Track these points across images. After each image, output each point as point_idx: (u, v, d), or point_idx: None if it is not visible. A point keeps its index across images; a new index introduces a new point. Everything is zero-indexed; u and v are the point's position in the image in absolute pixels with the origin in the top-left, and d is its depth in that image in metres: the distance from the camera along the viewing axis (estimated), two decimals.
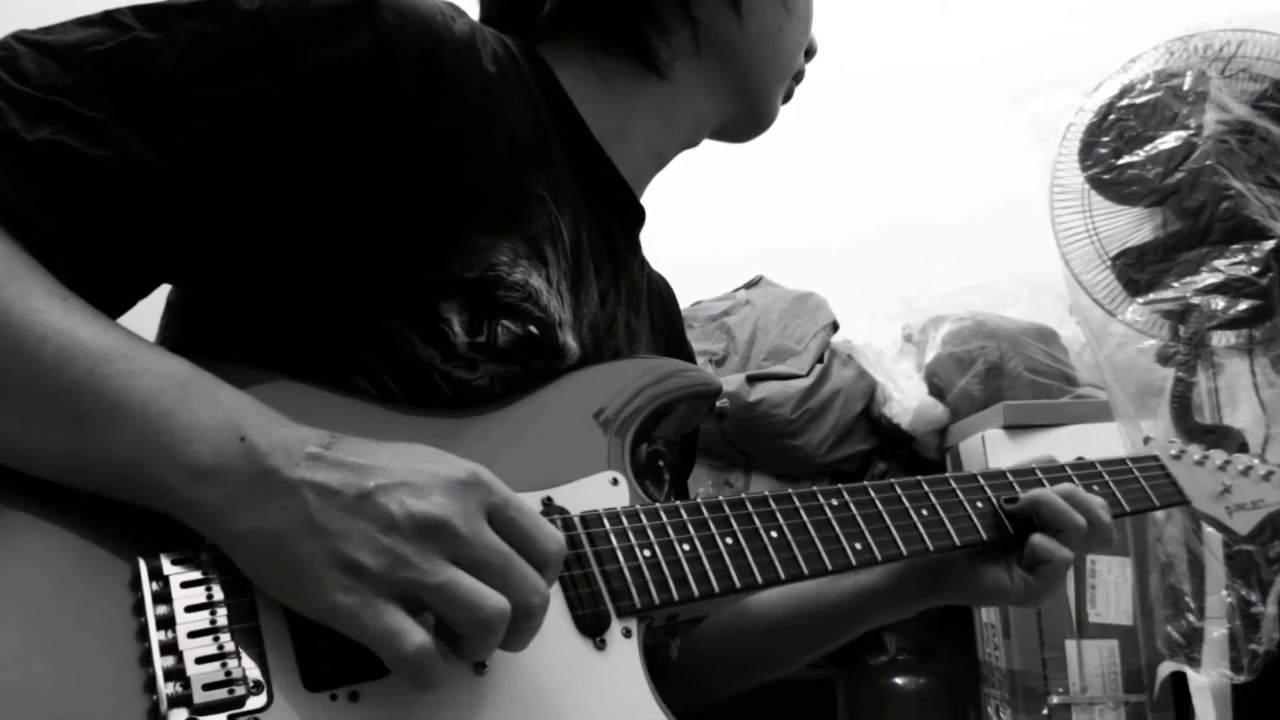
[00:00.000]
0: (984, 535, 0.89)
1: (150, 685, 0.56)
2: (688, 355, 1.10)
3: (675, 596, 0.72)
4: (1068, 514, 0.90)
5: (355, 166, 0.70)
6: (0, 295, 0.59)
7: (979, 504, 0.90)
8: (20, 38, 0.66)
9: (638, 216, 0.95)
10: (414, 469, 0.59)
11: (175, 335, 0.79)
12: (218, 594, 0.59)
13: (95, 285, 0.65)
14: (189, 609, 0.58)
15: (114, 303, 0.68)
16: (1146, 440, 1.10)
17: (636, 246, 0.97)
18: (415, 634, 0.56)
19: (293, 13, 0.69)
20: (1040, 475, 0.94)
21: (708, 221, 2.55)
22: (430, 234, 0.73)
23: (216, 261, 0.71)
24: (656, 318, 1.03)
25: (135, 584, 0.59)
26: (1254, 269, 1.52)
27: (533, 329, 0.76)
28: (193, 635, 0.58)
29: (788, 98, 1.01)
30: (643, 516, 0.74)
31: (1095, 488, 0.96)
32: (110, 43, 0.66)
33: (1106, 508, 0.93)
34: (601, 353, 0.87)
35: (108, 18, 0.68)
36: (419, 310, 0.72)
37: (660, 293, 1.06)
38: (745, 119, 0.98)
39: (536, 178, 0.80)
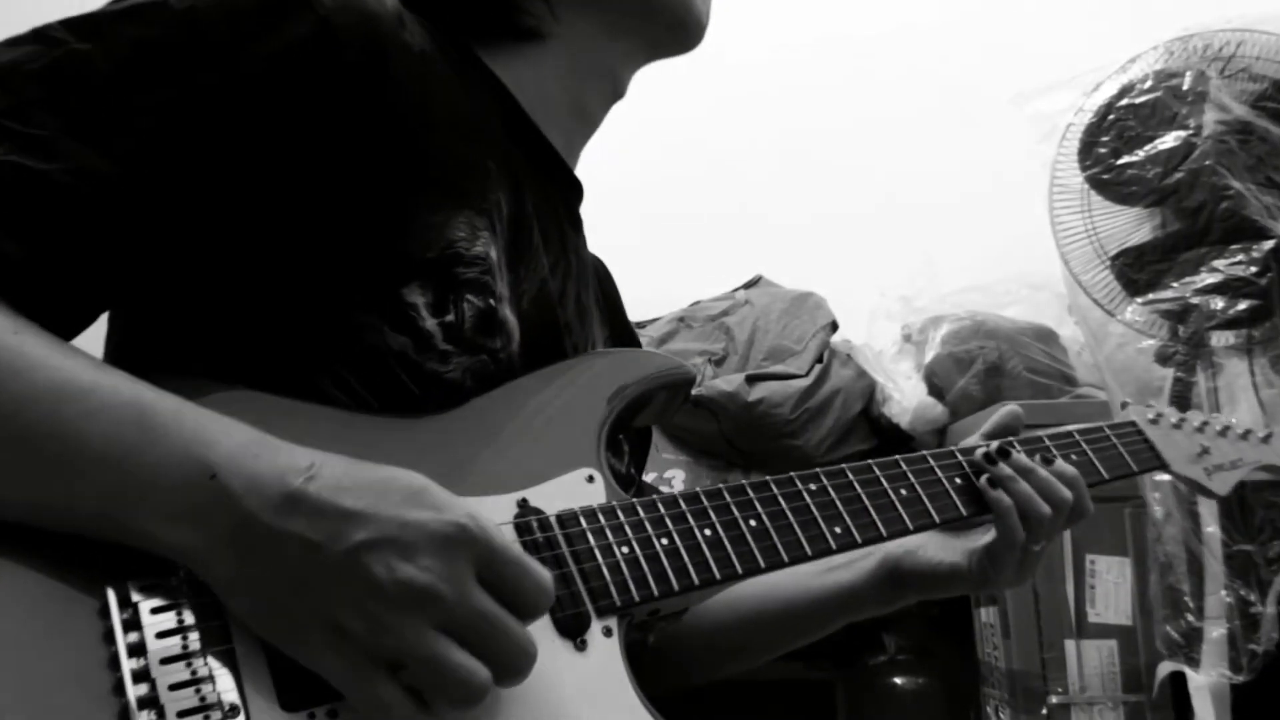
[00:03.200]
0: (963, 511, 0.87)
1: (124, 715, 0.54)
2: (630, 334, 1.07)
3: (655, 592, 0.71)
4: (1034, 502, 0.88)
5: (307, 152, 0.69)
6: None
7: (957, 480, 0.89)
8: None
9: (576, 192, 0.93)
10: (401, 521, 0.57)
11: (126, 359, 0.76)
12: (189, 618, 0.58)
13: (53, 306, 0.64)
14: (160, 635, 0.57)
15: (72, 323, 0.67)
16: (1124, 405, 1.07)
17: (578, 222, 0.95)
18: (401, 708, 0.56)
19: (227, 5, 0.67)
20: (1017, 447, 0.91)
21: (707, 221, 2.56)
22: (385, 215, 0.71)
23: (176, 272, 0.70)
24: (598, 296, 1.01)
25: (104, 612, 0.57)
26: (1253, 269, 1.52)
27: (491, 302, 0.75)
28: (165, 661, 0.56)
29: None
30: (620, 513, 0.73)
31: (1073, 456, 0.94)
32: (44, 59, 0.64)
33: (1078, 491, 0.91)
34: (546, 329, 0.85)
35: (37, 35, 0.66)
36: (383, 299, 0.71)
37: (598, 271, 1.04)
38: (658, 28, 0.91)
39: (481, 149, 0.80)
